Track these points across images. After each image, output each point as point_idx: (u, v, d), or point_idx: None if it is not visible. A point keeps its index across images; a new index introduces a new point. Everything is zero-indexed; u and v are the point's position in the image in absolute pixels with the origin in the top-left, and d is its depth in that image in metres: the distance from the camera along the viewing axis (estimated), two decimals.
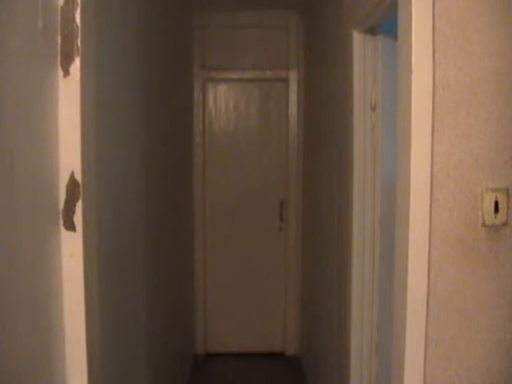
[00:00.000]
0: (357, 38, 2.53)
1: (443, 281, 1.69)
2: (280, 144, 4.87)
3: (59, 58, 1.54)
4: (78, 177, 1.57)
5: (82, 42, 1.54)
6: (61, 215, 1.57)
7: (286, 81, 4.86)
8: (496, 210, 1.67)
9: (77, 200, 1.58)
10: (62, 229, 1.58)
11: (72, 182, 1.57)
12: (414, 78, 1.67)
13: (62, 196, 1.57)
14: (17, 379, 1.34)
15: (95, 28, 1.69)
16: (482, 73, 1.69)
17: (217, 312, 4.92)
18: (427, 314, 1.69)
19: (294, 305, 4.85)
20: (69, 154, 1.56)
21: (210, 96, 4.94)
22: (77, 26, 1.53)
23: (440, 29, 1.67)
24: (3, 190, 1.27)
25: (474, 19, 1.68)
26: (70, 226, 1.58)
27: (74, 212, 1.58)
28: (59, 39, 1.53)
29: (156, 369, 3.02)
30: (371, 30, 2.48)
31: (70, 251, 1.59)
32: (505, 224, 1.69)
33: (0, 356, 1.25)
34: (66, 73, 1.54)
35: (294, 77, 4.85)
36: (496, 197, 1.67)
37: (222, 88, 4.94)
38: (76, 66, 1.54)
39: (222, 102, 4.94)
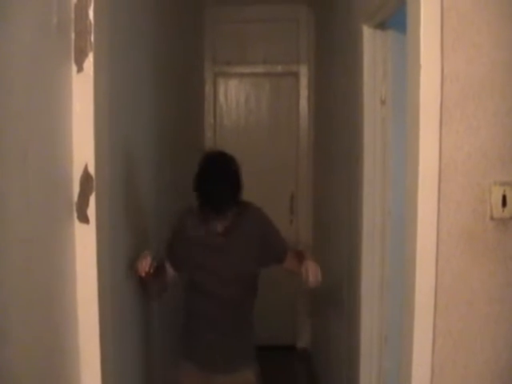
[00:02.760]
0: (367, 32, 2.54)
1: (451, 273, 1.70)
2: (290, 138, 4.88)
3: (73, 54, 1.57)
4: (92, 170, 1.60)
5: (95, 38, 1.57)
6: (74, 208, 1.61)
7: (296, 75, 4.86)
8: (504, 203, 1.68)
9: (90, 193, 1.61)
10: (76, 221, 1.61)
11: (85, 176, 1.60)
12: (422, 71, 1.68)
13: (76, 189, 1.60)
14: (31, 370, 1.37)
15: (108, 24, 1.72)
16: (491, 66, 1.69)
17: None
18: (435, 307, 1.70)
19: (304, 298, 4.87)
20: (82, 148, 1.59)
21: (221, 90, 4.95)
22: (90, 23, 1.56)
23: (448, 22, 1.68)
24: (18, 184, 1.30)
25: (483, 12, 1.69)
26: (84, 219, 1.61)
27: (87, 205, 1.61)
28: (73, 35, 1.56)
29: (168, 363, 3.05)
30: (381, 25, 2.48)
31: (84, 243, 1.62)
32: None
33: (15, 346, 1.29)
34: (80, 68, 1.57)
35: (304, 71, 4.85)
36: (504, 190, 1.68)
37: (233, 82, 4.96)
38: (89, 61, 1.57)
39: (233, 96, 4.96)
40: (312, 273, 2.29)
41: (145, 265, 2.09)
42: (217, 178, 2.10)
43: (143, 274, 2.10)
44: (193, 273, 2.33)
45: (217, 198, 2.08)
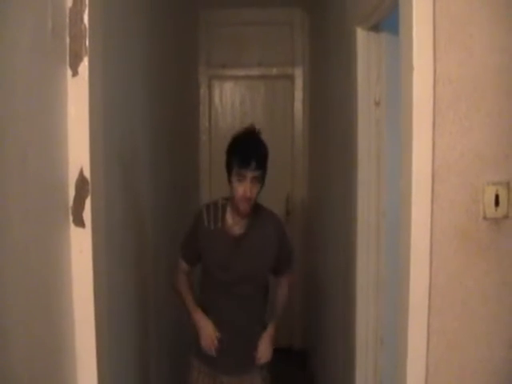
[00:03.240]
0: (361, 34, 2.56)
1: (445, 273, 1.72)
2: (286, 140, 4.89)
3: (68, 58, 1.57)
4: (87, 174, 1.60)
5: (90, 42, 1.58)
6: (70, 212, 1.61)
7: (291, 78, 4.88)
8: (497, 203, 1.69)
9: (86, 197, 1.61)
10: (72, 225, 1.62)
11: (81, 179, 1.60)
12: (415, 73, 1.69)
13: (72, 193, 1.61)
14: (28, 371, 1.37)
15: (103, 28, 1.72)
16: (483, 68, 1.71)
17: None
18: (429, 306, 1.71)
19: (300, 299, 4.88)
20: (78, 152, 1.60)
21: (216, 93, 4.97)
22: (85, 27, 1.57)
23: (440, 25, 1.69)
24: (16, 189, 1.31)
25: (475, 15, 1.70)
26: (80, 223, 1.62)
27: (83, 208, 1.62)
28: (68, 40, 1.57)
29: (165, 364, 3.06)
30: (375, 27, 2.50)
31: (80, 247, 1.62)
32: (506, 217, 1.71)
33: (12, 349, 1.29)
34: (75, 72, 1.58)
35: (299, 73, 4.87)
36: (497, 190, 1.70)
37: (228, 85, 4.97)
38: (84, 65, 1.58)
39: (228, 99, 4.97)
40: (263, 354, 2.45)
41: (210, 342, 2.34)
42: (253, 140, 2.32)
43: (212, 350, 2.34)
44: (209, 268, 2.35)
45: (255, 153, 2.24)
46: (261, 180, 2.26)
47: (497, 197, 1.70)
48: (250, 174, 2.20)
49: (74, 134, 1.59)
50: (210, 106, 4.94)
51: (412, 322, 1.72)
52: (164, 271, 2.97)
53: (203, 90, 4.91)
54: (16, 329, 1.30)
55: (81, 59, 1.58)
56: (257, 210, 2.34)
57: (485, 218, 1.71)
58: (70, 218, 1.61)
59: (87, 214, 1.62)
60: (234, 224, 2.32)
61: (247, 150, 2.25)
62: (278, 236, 2.40)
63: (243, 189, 2.22)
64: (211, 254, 2.33)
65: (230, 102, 4.96)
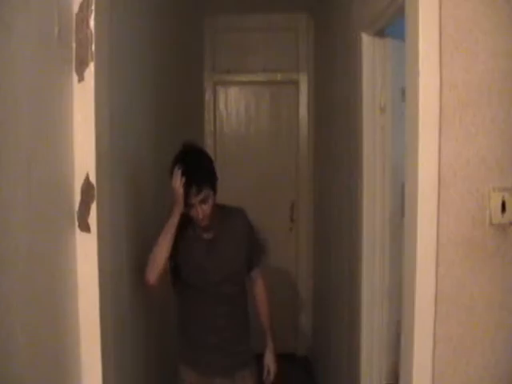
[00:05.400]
0: (366, 40, 2.56)
1: (451, 279, 1.71)
2: (291, 146, 4.89)
3: (74, 64, 1.58)
4: (93, 179, 1.61)
5: (96, 48, 1.58)
6: (76, 217, 1.61)
7: (296, 83, 4.88)
8: (503, 209, 1.69)
9: (91, 202, 1.62)
10: (77, 230, 1.62)
11: (87, 185, 1.61)
12: (421, 79, 1.70)
13: (77, 198, 1.61)
14: (33, 378, 1.37)
15: (109, 34, 1.73)
16: (489, 74, 1.71)
17: None
18: (435, 313, 1.71)
19: (305, 306, 4.87)
20: (83, 157, 1.60)
21: (221, 99, 4.97)
22: (91, 32, 1.57)
23: (446, 31, 1.70)
24: (22, 194, 1.31)
25: (480, 21, 1.71)
26: (85, 228, 1.62)
27: (88, 213, 1.62)
28: (74, 45, 1.58)
29: (169, 369, 3.05)
30: (380, 33, 2.50)
31: (85, 252, 1.63)
32: None
33: (18, 353, 1.29)
34: (81, 78, 1.58)
35: (304, 79, 4.87)
36: (503, 196, 1.69)
37: (233, 91, 4.98)
38: (90, 71, 1.58)
39: (233, 104, 4.97)
40: (271, 372, 2.51)
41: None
42: (189, 166, 2.21)
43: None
44: (188, 276, 2.36)
45: (197, 172, 2.20)
46: (211, 195, 2.24)
47: (503, 203, 1.69)
48: (195, 200, 2.20)
49: (80, 139, 1.60)
50: (215, 111, 4.95)
51: (418, 328, 1.71)
52: (168, 275, 2.96)
53: (208, 96, 4.92)
54: (21, 333, 1.30)
55: (87, 65, 1.58)
56: (221, 213, 2.36)
57: (491, 224, 1.71)
58: (76, 223, 1.61)
59: (93, 219, 1.62)
60: (203, 231, 2.35)
61: (193, 173, 2.19)
62: (246, 230, 2.44)
63: (195, 213, 2.24)
64: (187, 257, 2.35)
65: (234, 107, 4.97)
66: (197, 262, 2.35)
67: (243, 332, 2.47)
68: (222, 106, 4.96)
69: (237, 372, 2.42)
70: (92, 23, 1.58)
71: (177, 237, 2.27)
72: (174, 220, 2.23)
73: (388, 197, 2.54)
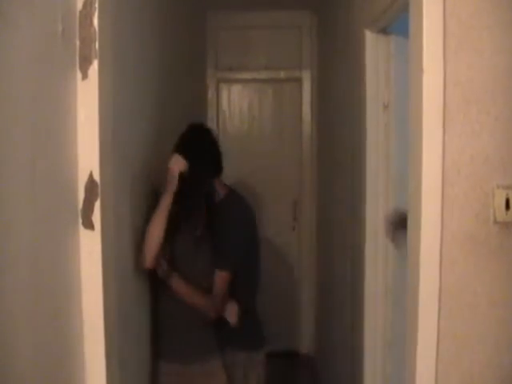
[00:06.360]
0: (369, 37, 2.55)
1: (455, 277, 1.71)
2: (294, 144, 4.88)
3: (78, 62, 1.58)
4: (97, 177, 1.61)
5: (99, 46, 1.58)
6: (80, 214, 1.61)
7: (299, 81, 4.88)
8: (507, 206, 1.69)
9: (95, 199, 1.62)
10: (81, 227, 1.62)
11: (90, 182, 1.61)
12: (424, 76, 1.69)
13: (81, 196, 1.61)
14: (36, 378, 1.37)
15: (112, 31, 1.73)
16: (493, 71, 1.70)
17: None
18: (439, 310, 1.71)
19: (307, 304, 4.86)
20: (87, 155, 1.60)
21: (224, 96, 4.97)
22: (95, 30, 1.57)
23: (450, 28, 1.69)
24: (26, 192, 1.31)
25: (484, 17, 1.70)
26: (89, 225, 1.62)
27: (92, 211, 1.62)
28: (77, 43, 1.57)
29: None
30: (383, 30, 2.50)
31: (89, 249, 1.63)
32: None
33: (20, 353, 1.29)
34: (85, 75, 1.58)
35: (307, 77, 4.86)
36: (507, 194, 1.69)
37: (236, 88, 4.97)
38: (94, 68, 1.58)
39: (236, 102, 4.97)
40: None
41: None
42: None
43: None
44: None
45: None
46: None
47: (507, 200, 1.69)
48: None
49: (84, 137, 1.60)
50: (218, 108, 4.94)
51: (422, 326, 1.71)
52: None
53: (211, 93, 4.91)
54: (24, 331, 1.30)
55: (90, 62, 1.58)
56: (222, 203, 2.45)
57: (495, 221, 1.70)
58: (80, 220, 1.61)
59: (96, 217, 1.62)
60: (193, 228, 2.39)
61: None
62: (226, 227, 2.42)
63: None
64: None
65: (237, 105, 4.96)
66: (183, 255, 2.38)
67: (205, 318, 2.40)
68: (225, 103, 4.96)
69: (204, 360, 2.41)
70: (96, 21, 1.57)
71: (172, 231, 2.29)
72: (168, 200, 2.26)
73: (392, 193, 2.54)
